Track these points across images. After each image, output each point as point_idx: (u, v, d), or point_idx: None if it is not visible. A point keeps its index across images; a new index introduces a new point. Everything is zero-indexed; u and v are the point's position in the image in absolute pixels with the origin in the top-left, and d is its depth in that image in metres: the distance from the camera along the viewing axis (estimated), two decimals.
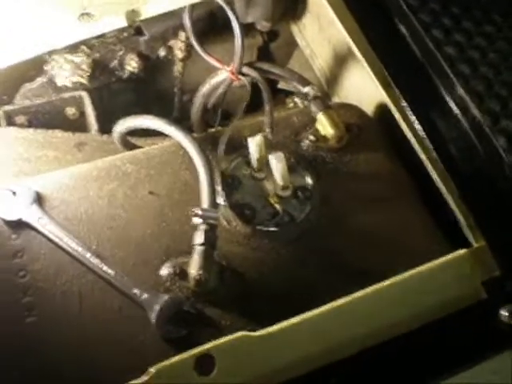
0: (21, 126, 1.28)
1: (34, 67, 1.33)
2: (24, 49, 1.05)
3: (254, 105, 1.21)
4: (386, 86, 1.14)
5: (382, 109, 1.20)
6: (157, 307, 0.94)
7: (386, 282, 0.93)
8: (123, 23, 1.06)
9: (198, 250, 0.96)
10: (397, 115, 1.10)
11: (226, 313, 0.97)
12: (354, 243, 1.06)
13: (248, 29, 1.39)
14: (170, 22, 1.31)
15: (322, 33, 1.37)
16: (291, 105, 1.53)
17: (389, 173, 1.14)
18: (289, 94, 1.53)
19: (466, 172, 1.07)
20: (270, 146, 1.09)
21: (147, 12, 1.06)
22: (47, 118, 1.30)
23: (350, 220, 1.08)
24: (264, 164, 1.07)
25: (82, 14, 1.04)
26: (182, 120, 1.41)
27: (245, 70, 1.16)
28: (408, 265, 0.97)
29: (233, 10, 1.12)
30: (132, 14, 1.05)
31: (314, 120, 1.14)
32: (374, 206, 1.10)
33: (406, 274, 0.95)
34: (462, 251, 0.99)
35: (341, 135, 1.13)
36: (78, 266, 0.98)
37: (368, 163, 1.14)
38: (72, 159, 1.20)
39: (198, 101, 1.24)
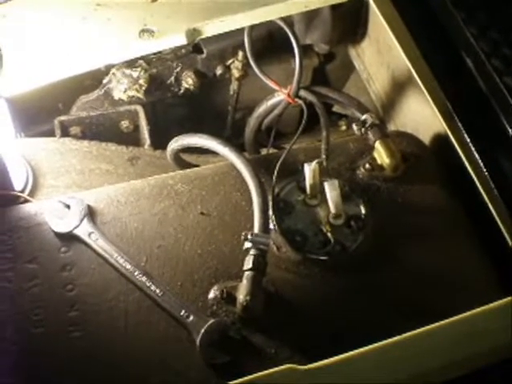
0: (75, 136, 1.29)
1: (89, 77, 1.34)
2: (84, 62, 1.06)
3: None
4: (446, 117, 1.10)
5: (440, 139, 1.16)
6: (202, 331, 0.93)
7: (438, 324, 0.89)
8: (183, 41, 1.05)
9: (247, 275, 0.95)
10: (458, 149, 1.06)
11: (272, 341, 0.95)
12: (405, 277, 1.03)
13: (305, 50, 1.37)
14: (228, 41, 1.31)
15: (380, 57, 1.35)
16: (344, 127, 1.52)
17: (445, 206, 1.11)
18: (342, 116, 1.51)
19: None
20: (324, 173, 1.07)
21: (208, 31, 1.06)
22: (101, 129, 1.31)
23: (403, 253, 1.05)
24: (318, 191, 1.06)
25: (143, 31, 1.04)
26: (233, 138, 1.41)
27: (302, 93, 1.15)
28: (460, 304, 0.93)
29: (293, 32, 1.12)
30: (193, 33, 1.05)
31: (370, 148, 1.12)
32: (428, 240, 1.06)
33: (459, 317, 0.91)
34: None
35: (397, 164, 1.10)
36: (126, 283, 0.98)
37: (424, 195, 1.11)
38: (124, 173, 1.21)
39: (252, 121, 1.23)
